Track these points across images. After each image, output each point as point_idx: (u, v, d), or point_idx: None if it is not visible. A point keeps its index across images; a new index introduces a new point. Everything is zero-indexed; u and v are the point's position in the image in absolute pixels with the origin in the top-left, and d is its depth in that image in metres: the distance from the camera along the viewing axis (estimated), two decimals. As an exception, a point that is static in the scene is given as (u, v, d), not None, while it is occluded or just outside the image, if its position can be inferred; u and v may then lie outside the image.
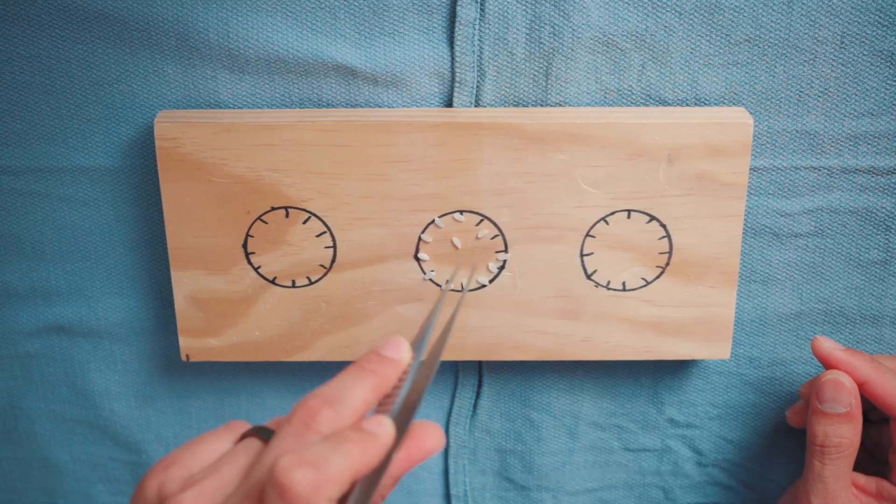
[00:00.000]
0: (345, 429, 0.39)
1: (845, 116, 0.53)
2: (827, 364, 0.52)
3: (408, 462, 0.40)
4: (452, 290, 0.54)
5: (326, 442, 0.38)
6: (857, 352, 0.52)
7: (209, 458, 0.41)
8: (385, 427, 0.39)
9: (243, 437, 0.42)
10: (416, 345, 0.43)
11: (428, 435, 0.40)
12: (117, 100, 0.54)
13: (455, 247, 0.54)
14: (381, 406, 0.41)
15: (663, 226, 0.53)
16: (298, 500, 0.36)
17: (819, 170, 0.54)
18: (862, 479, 0.53)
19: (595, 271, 0.54)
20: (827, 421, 0.51)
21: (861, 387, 0.51)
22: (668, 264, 0.54)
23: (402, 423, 0.40)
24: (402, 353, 0.42)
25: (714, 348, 0.56)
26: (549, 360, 0.58)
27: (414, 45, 0.52)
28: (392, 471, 0.40)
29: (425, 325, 0.45)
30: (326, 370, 0.60)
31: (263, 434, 0.41)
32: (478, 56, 0.52)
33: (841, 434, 0.50)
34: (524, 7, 0.51)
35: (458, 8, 0.51)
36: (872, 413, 0.55)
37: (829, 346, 0.52)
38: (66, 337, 0.60)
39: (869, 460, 0.56)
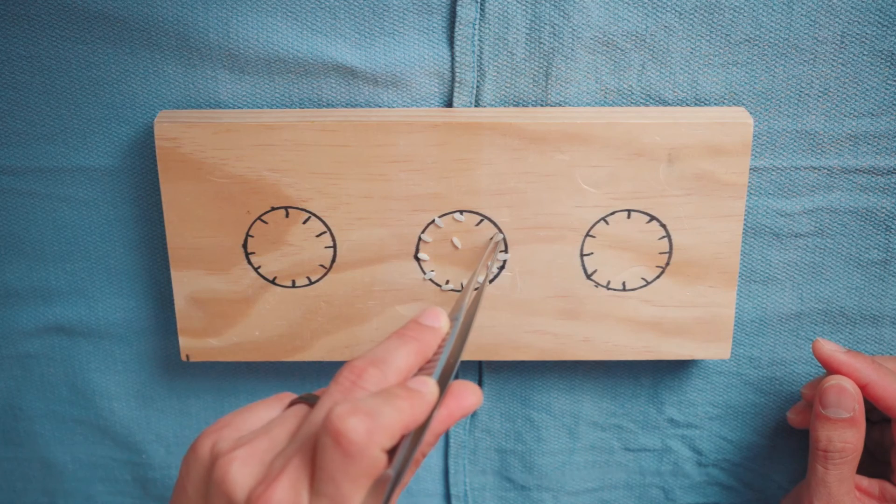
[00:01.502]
0: (392, 386, 0.40)
1: (845, 116, 0.53)
2: (828, 366, 0.52)
3: (449, 419, 0.41)
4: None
5: (377, 396, 0.39)
6: (859, 354, 0.52)
7: (260, 422, 0.42)
8: (429, 385, 0.40)
9: (292, 403, 0.43)
10: (453, 316, 0.46)
11: (467, 392, 0.42)
12: (117, 100, 0.54)
13: (455, 247, 0.54)
14: (422, 371, 0.43)
15: (663, 226, 0.53)
16: (353, 447, 0.36)
17: (819, 170, 0.54)
18: (865, 481, 0.53)
19: (595, 271, 0.54)
20: (830, 426, 0.51)
21: (862, 389, 0.51)
22: (668, 264, 0.54)
23: (443, 384, 0.41)
24: (441, 322, 0.44)
25: (714, 348, 0.55)
26: (549, 360, 0.58)
27: (414, 45, 0.52)
28: (434, 428, 0.41)
29: (461, 299, 0.47)
30: (326, 370, 0.60)
31: (311, 400, 0.42)
32: (478, 56, 0.52)
33: (845, 439, 0.50)
34: (524, 7, 0.51)
35: (458, 8, 0.51)
36: (873, 413, 0.55)
37: (830, 348, 0.52)
38: (66, 337, 0.60)
39: (870, 460, 0.56)
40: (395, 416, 0.38)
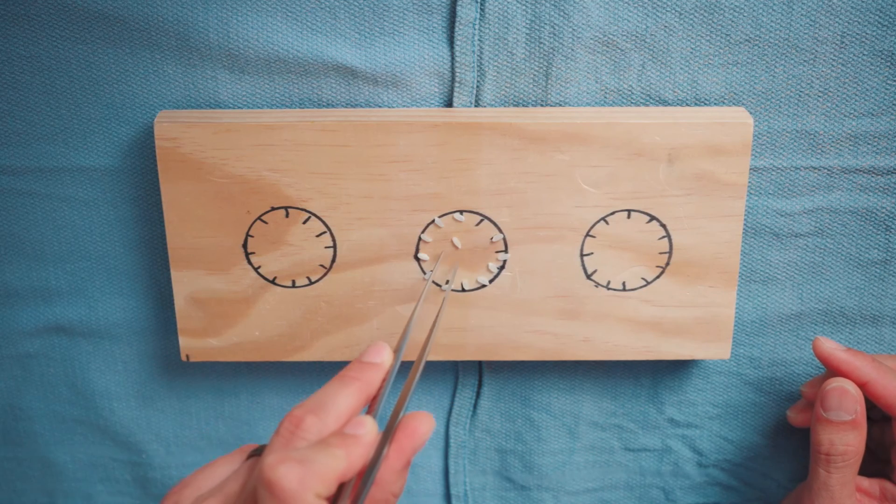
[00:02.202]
0: (328, 435, 0.40)
1: (845, 116, 0.53)
2: (828, 365, 0.52)
3: (401, 454, 0.41)
4: (434, 283, 0.54)
5: (311, 446, 0.40)
6: (859, 352, 0.52)
7: (220, 479, 0.43)
8: (366, 426, 0.40)
9: (250, 456, 0.44)
10: (401, 343, 0.46)
11: (416, 423, 0.42)
12: (117, 100, 0.54)
13: (455, 247, 0.54)
14: (371, 406, 0.43)
15: (663, 226, 0.53)
16: (286, 494, 0.37)
17: (819, 170, 0.54)
18: (865, 482, 0.53)
19: (595, 271, 0.54)
20: (832, 429, 0.50)
21: (862, 387, 0.51)
22: (668, 264, 0.54)
23: (393, 418, 0.42)
24: (384, 357, 0.44)
25: (714, 348, 0.55)
26: (549, 360, 0.58)
27: (414, 45, 0.52)
28: (391, 465, 0.41)
29: (408, 322, 0.47)
30: (326, 370, 0.60)
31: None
32: (478, 56, 0.52)
33: (847, 442, 0.50)
34: (524, 7, 0.51)
35: (458, 8, 0.51)
36: (874, 412, 0.55)
37: (830, 346, 0.52)
38: (66, 337, 0.60)
39: (870, 459, 0.56)
40: (329, 462, 0.38)
